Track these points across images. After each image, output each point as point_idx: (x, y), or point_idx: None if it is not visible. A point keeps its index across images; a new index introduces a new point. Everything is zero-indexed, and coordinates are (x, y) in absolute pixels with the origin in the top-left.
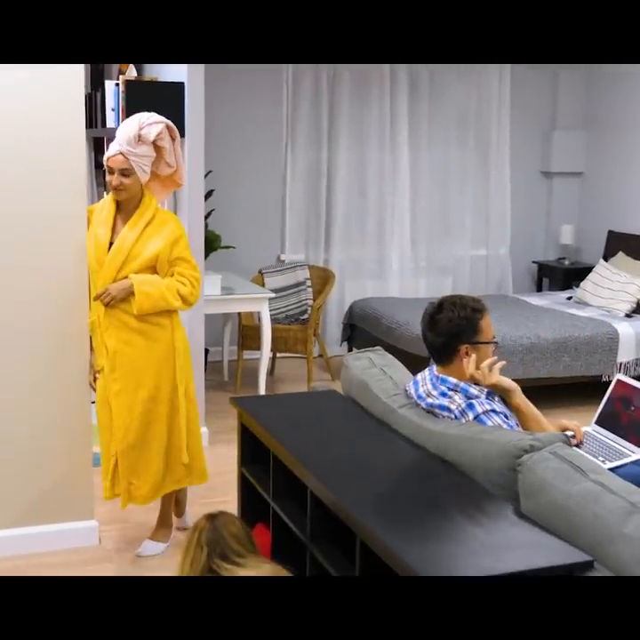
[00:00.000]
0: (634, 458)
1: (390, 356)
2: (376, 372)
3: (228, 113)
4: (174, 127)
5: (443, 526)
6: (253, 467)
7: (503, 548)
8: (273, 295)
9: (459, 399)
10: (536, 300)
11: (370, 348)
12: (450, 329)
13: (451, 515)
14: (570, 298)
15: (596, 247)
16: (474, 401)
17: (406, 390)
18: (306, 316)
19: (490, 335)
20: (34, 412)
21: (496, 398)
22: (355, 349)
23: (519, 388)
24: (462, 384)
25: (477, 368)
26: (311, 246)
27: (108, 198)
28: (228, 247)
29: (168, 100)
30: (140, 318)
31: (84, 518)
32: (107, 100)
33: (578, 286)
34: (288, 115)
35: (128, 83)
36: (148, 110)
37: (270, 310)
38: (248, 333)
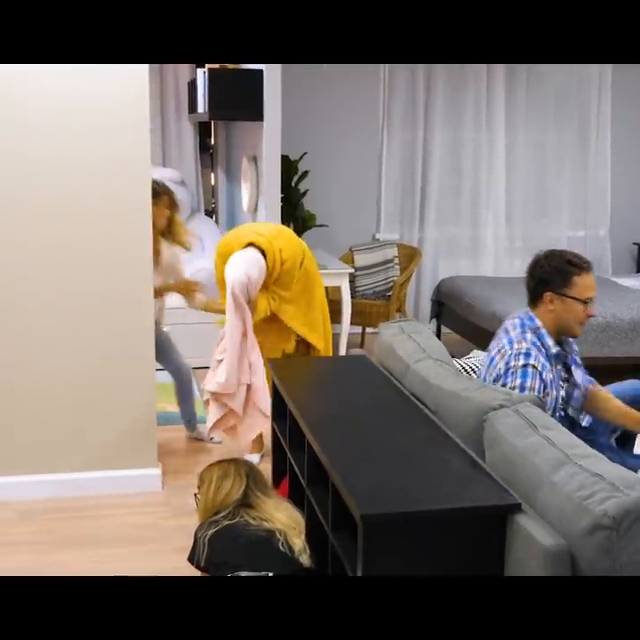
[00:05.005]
0: None
1: (422, 325)
2: (403, 338)
3: (324, 94)
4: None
5: (399, 472)
6: (280, 421)
7: (447, 490)
8: (351, 271)
9: (525, 344)
10: (628, 282)
11: (404, 319)
12: (540, 274)
13: (414, 463)
14: None
15: None
16: (533, 351)
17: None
18: (391, 293)
19: (583, 294)
20: (107, 373)
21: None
22: (443, 326)
23: None
24: (543, 331)
25: None
26: (405, 225)
27: None
28: (321, 225)
29: (247, 86)
30: None
31: (149, 466)
32: (198, 87)
33: None
34: (384, 95)
35: (211, 71)
36: (228, 96)
37: (359, 286)
38: (334, 308)
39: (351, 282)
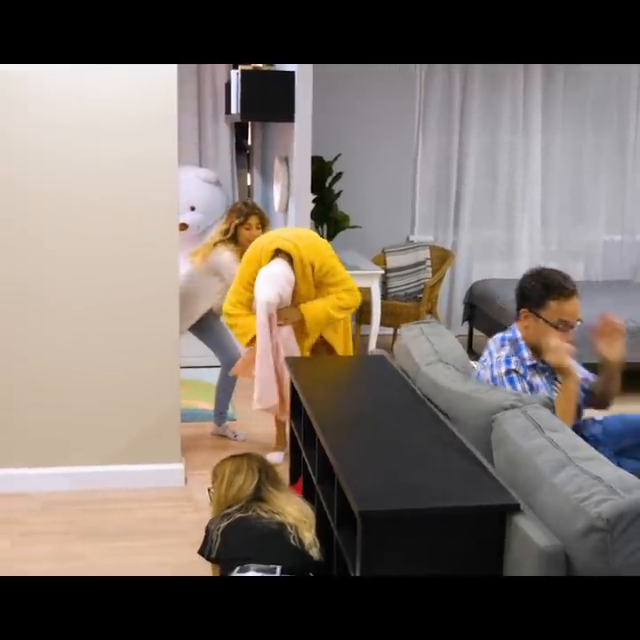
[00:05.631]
0: None
1: (442, 327)
2: (421, 340)
3: (359, 95)
4: None
5: (403, 471)
6: (296, 420)
7: (447, 489)
8: (382, 272)
9: (503, 352)
10: None
11: (425, 321)
12: (520, 290)
13: (419, 463)
14: None
15: None
16: (513, 358)
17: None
18: (422, 295)
19: (554, 318)
20: (132, 369)
21: (537, 370)
22: (475, 329)
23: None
24: (521, 343)
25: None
26: (440, 228)
27: None
28: (354, 227)
29: (279, 87)
30: None
31: (172, 461)
32: (232, 88)
33: None
34: (420, 98)
35: (244, 72)
36: (260, 97)
37: (391, 288)
38: (364, 309)
39: (383, 283)
